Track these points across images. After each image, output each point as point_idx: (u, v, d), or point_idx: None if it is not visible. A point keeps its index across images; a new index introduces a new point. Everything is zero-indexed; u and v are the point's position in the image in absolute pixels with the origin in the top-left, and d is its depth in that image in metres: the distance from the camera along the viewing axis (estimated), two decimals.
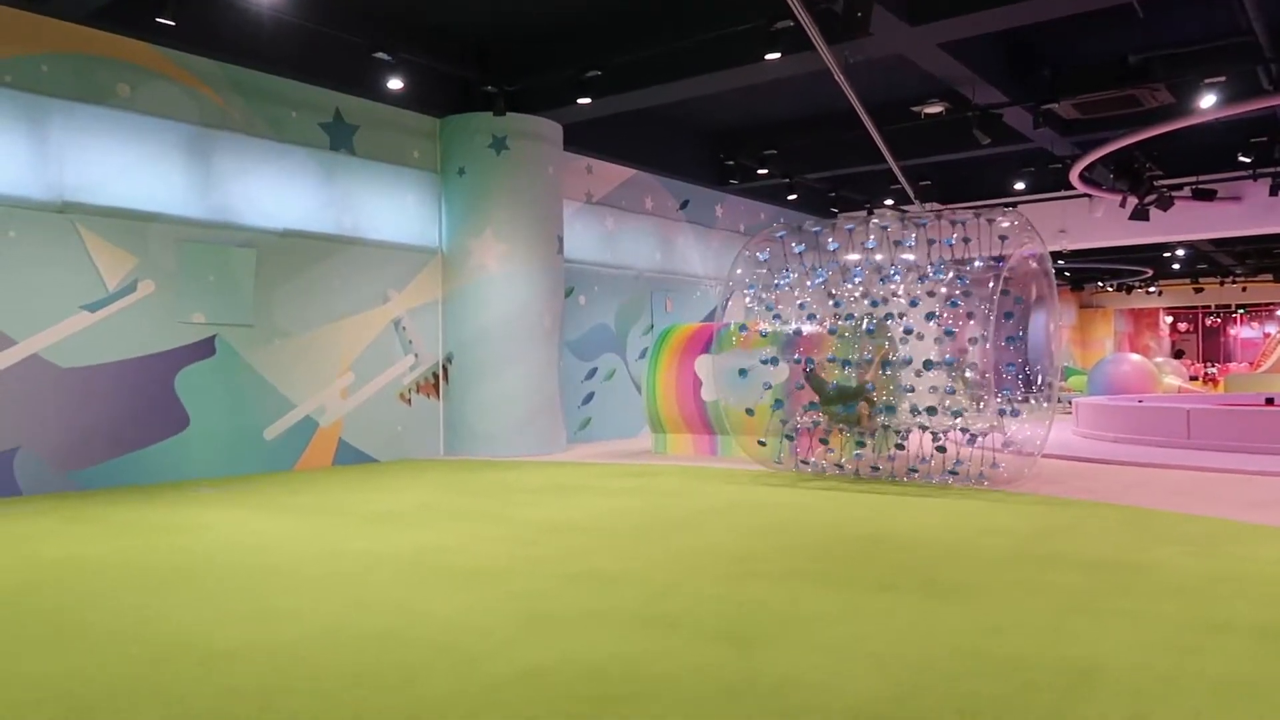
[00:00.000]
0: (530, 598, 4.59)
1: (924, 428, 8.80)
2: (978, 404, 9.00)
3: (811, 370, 9.31)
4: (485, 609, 4.38)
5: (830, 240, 9.91)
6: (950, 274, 8.90)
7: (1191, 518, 6.74)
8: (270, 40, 9.82)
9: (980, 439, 8.58)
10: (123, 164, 9.21)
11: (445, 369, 12.25)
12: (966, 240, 8.93)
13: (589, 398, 14.50)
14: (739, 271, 10.24)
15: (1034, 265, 9.40)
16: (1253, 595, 4.46)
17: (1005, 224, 8.85)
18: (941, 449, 8.59)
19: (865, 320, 9.30)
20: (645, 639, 3.87)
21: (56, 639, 3.99)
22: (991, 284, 8.58)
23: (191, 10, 8.74)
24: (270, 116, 10.48)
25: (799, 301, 9.74)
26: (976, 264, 8.95)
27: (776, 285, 9.85)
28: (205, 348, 9.78)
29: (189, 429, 9.59)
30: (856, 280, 9.48)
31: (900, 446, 8.96)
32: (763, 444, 9.55)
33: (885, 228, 9.57)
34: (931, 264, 9.06)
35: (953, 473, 8.56)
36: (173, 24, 8.46)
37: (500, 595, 4.64)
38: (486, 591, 4.71)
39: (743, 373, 9.59)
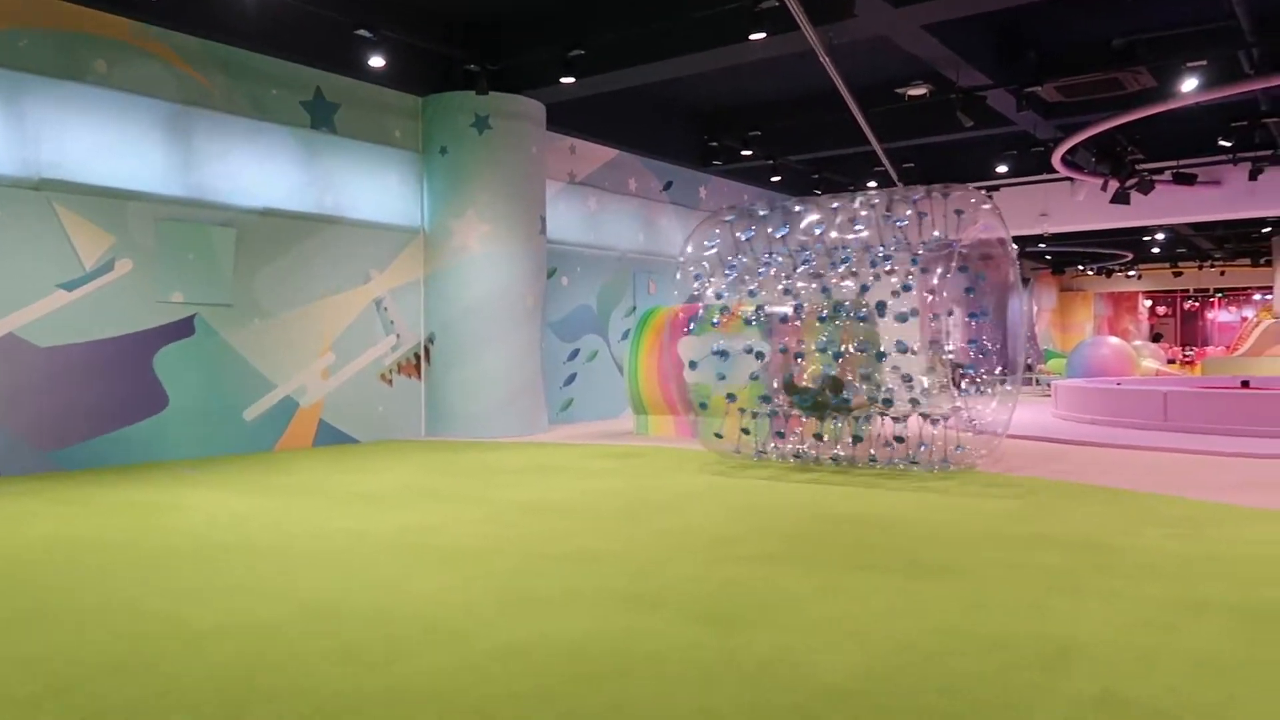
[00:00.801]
0: (513, 577, 4.60)
1: (883, 414, 8.47)
2: (954, 386, 8.89)
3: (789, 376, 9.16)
4: (468, 588, 4.38)
5: (772, 227, 9.30)
6: (891, 256, 8.51)
7: (1170, 499, 6.82)
8: (251, 17, 9.69)
9: (942, 422, 8.39)
10: (101, 141, 9.08)
11: (427, 349, 12.20)
12: (921, 215, 8.51)
13: (571, 379, 14.48)
14: (689, 254, 9.86)
15: (999, 248, 9.10)
16: (1229, 576, 4.53)
17: (961, 199, 8.48)
18: (900, 439, 8.35)
19: (827, 308, 8.89)
20: (628, 618, 3.88)
21: (41, 618, 3.96)
22: (944, 264, 8.30)
23: None
24: (251, 94, 10.35)
25: (750, 288, 9.30)
26: (935, 235, 8.52)
27: (728, 271, 9.44)
28: (184, 327, 9.70)
29: (168, 409, 9.52)
30: (800, 274, 8.93)
31: (858, 438, 8.57)
32: (719, 436, 9.29)
33: (835, 208, 9.08)
34: (883, 245, 8.71)
35: (914, 462, 8.36)
36: (154, 0, 8.34)
37: (483, 575, 4.64)
38: (469, 571, 4.72)
39: (724, 354, 9.40)
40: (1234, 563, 4.78)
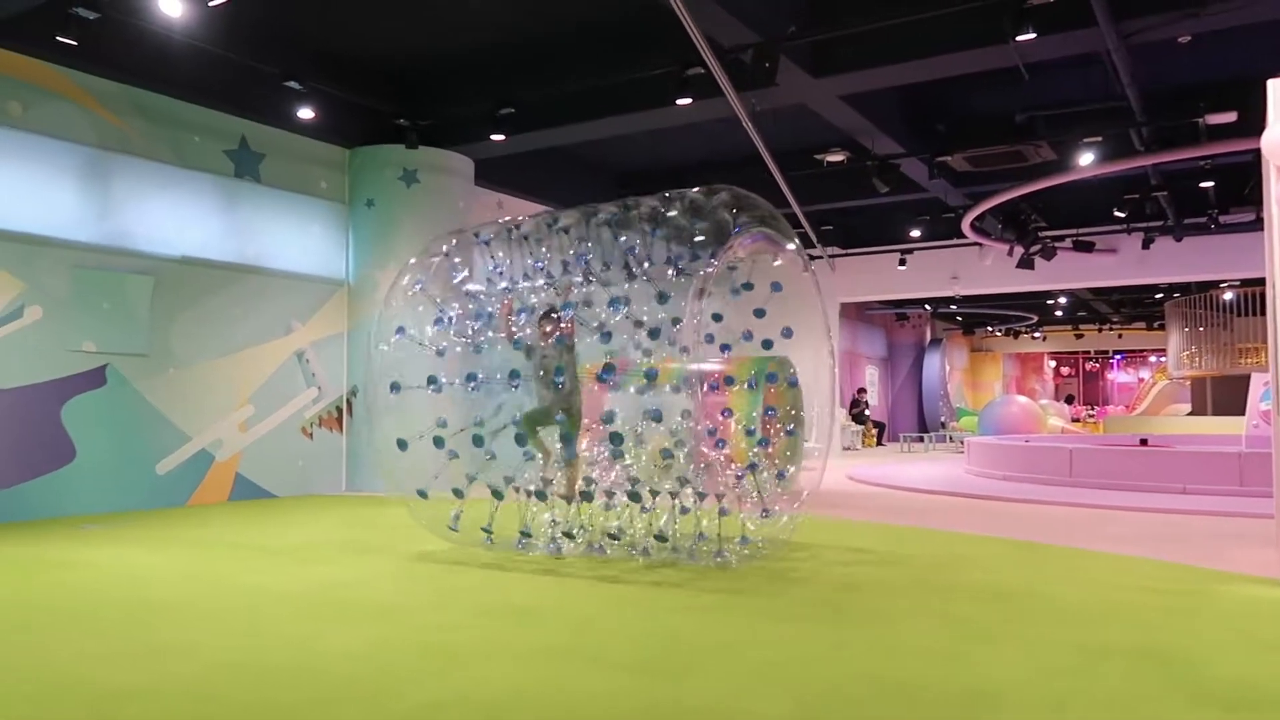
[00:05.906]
0: (437, 631, 4.55)
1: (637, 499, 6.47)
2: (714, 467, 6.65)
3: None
4: (389, 644, 4.32)
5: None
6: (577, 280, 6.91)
7: (1074, 551, 7.09)
8: (176, 64, 9.62)
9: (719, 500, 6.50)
10: (13, 185, 8.84)
11: (349, 403, 12.01)
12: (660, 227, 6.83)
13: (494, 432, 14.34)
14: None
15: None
16: (1127, 621, 4.74)
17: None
18: (662, 538, 6.41)
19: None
20: (555, 671, 3.88)
21: None
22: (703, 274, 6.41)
23: (95, 30, 8.46)
24: (172, 141, 10.21)
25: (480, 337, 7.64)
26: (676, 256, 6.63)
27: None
28: (95, 377, 9.39)
29: (75, 462, 9.16)
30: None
31: (614, 537, 6.67)
32: (423, 494, 7.34)
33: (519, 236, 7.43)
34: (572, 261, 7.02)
35: (663, 540, 6.41)
36: (75, 44, 8.21)
37: (405, 630, 4.58)
38: (391, 626, 4.65)
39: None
40: (1131, 609, 5.01)
